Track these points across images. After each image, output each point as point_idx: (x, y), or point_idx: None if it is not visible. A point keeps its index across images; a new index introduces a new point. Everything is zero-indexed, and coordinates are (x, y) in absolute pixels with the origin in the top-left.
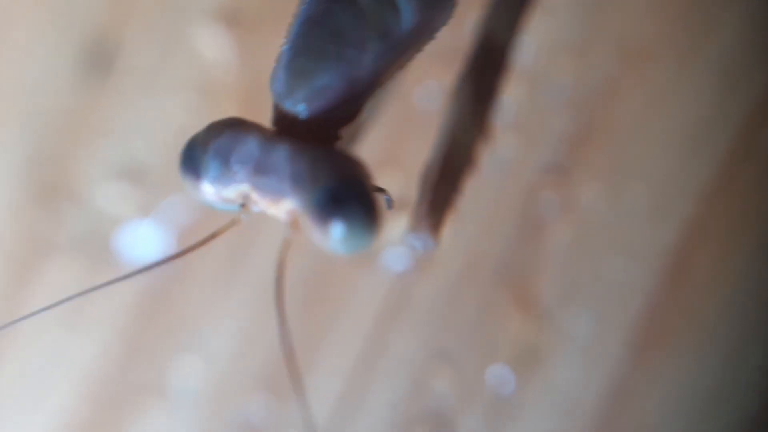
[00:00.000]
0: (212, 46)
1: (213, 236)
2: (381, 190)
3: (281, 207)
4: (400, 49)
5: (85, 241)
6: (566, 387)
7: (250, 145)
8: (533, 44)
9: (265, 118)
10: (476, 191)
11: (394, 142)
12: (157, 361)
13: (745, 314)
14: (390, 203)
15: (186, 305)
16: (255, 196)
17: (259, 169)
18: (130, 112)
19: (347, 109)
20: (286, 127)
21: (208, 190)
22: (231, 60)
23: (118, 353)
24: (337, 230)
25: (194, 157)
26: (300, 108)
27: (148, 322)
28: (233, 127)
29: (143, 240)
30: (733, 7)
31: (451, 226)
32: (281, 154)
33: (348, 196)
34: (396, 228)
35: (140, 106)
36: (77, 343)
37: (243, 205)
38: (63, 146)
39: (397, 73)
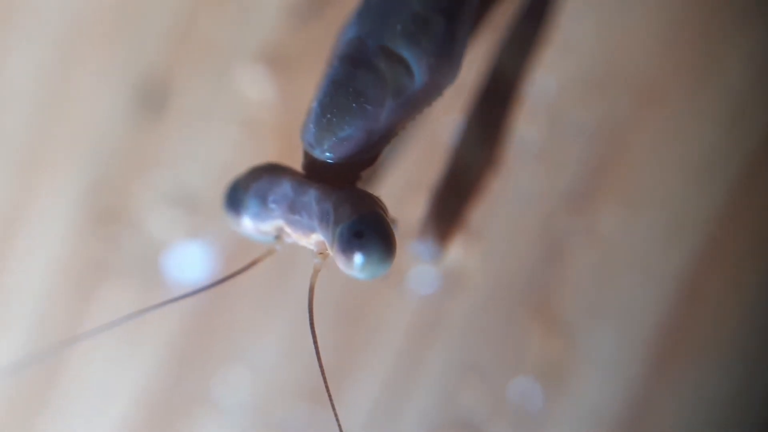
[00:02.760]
0: (255, 86)
1: (253, 263)
2: (393, 220)
3: (311, 239)
4: (412, 105)
5: (140, 264)
6: (588, 400)
7: (285, 188)
8: (553, 81)
9: (301, 152)
10: (502, 216)
11: (421, 170)
12: (206, 374)
13: (758, 331)
14: (396, 228)
15: (233, 323)
16: (288, 230)
17: (292, 208)
18: (180, 147)
19: (367, 156)
20: (315, 171)
21: (248, 224)
22: (272, 99)
23: (170, 367)
24: (358, 260)
25: (236, 197)
26: (327, 155)
27: (198, 338)
28: (270, 171)
29: (193, 263)
30: (741, 46)
31: (478, 250)
32: (311, 196)
33: (366, 231)
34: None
35: (189, 141)
36: (133, 359)
37: (278, 237)
38: (120, 177)
39: (410, 124)
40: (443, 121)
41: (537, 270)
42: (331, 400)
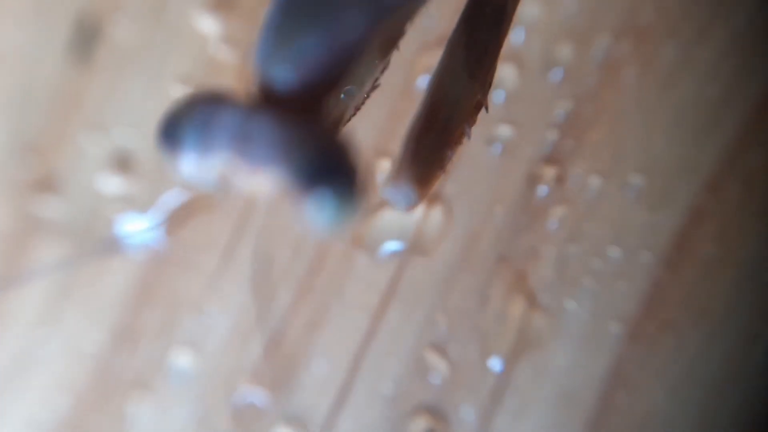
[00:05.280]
0: (205, 30)
1: (189, 212)
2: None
3: (261, 180)
4: (387, 12)
5: (75, 228)
6: (565, 372)
7: (231, 113)
8: (532, 27)
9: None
10: (474, 177)
11: (393, 133)
12: (150, 351)
13: (746, 303)
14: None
15: (179, 294)
16: (235, 169)
17: (241, 136)
18: (119, 99)
19: (331, 76)
20: (268, 96)
21: (188, 162)
22: (223, 45)
23: (110, 344)
24: (320, 203)
25: (173, 128)
26: (282, 74)
27: (140, 311)
28: (213, 97)
29: (133, 227)
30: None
31: (448, 212)
32: (264, 121)
33: (332, 165)
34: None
35: (129, 93)
36: (68, 333)
37: (222, 182)
38: (52, 132)
39: (385, 44)
40: (415, 76)
41: (511, 234)
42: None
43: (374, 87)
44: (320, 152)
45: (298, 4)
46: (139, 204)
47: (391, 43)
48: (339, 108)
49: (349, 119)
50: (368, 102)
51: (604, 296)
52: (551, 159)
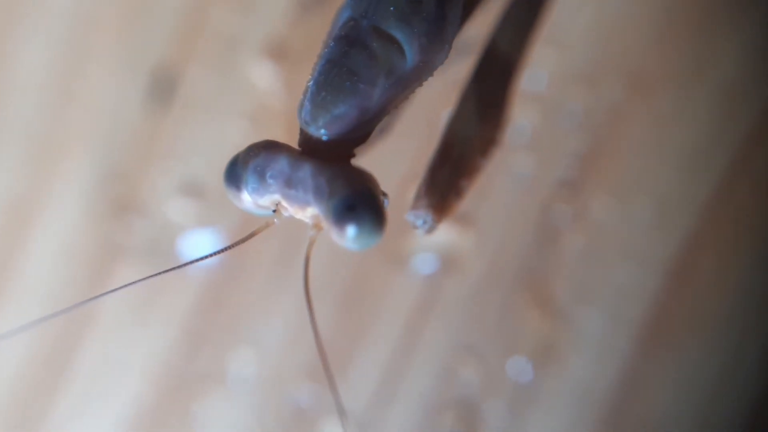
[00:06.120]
0: (262, 78)
1: (251, 235)
2: (384, 194)
3: (307, 212)
4: (404, 84)
5: (152, 248)
6: (580, 378)
7: (282, 163)
8: (547, 74)
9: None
10: (498, 203)
11: (421, 160)
12: (216, 352)
13: (742, 313)
14: (387, 202)
15: (242, 304)
16: (285, 204)
17: (289, 183)
18: (191, 136)
19: (360, 133)
20: (310, 148)
21: (247, 199)
22: (278, 90)
23: (182, 346)
24: (350, 232)
25: (236, 173)
26: (321, 132)
27: (208, 317)
28: (268, 148)
29: (202, 247)
30: (733, 38)
31: (473, 234)
32: (306, 171)
33: (358, 204)
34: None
35: (200, 131)
36: (147, 337)
37: (276, 211)
38: (132, 165)
39: (402, 103)
40: (443, 113)
41: (531, 254)
42: (329, 374)
43: (396, 119)
44: (348, 195)
45: (333, 80)
46: (205, 222)
47: (408, 96)
48: (368, 142)
49: (375, 145)
50: (397, 133)
51: (615, 308)
52: (568, 184)
